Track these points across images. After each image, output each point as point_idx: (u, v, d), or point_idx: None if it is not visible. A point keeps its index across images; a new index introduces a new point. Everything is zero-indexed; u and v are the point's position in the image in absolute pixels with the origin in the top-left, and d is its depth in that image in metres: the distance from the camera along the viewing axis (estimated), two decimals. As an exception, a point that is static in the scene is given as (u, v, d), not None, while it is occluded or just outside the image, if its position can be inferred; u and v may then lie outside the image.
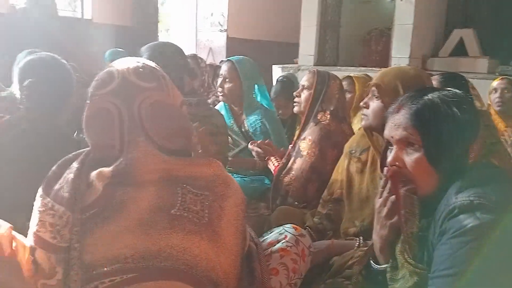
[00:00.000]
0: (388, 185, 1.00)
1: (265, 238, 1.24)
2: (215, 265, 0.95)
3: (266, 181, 2.37)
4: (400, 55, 4.63)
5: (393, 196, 0.99)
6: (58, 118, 1.61)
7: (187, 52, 4.61)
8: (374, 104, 1.44)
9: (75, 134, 1.82)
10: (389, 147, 1.04)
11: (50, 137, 1.49)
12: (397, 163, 1.00)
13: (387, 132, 1.03)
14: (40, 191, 0.98)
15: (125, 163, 0.94)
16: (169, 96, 1.01)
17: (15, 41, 3.16)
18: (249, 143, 2.23)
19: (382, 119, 1.13)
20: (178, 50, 1.87)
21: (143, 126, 0.96)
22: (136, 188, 0.93)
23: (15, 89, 1.62)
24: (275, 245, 1.17)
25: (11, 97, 1.72)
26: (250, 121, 2.43)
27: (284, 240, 1.18)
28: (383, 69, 1.56)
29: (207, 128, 1.58)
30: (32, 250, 0.93)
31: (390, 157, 1.02)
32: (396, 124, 1.00)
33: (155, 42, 1.97)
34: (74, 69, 2.04)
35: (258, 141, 2.20)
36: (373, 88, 1.45)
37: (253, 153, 2.20)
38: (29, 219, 0.97)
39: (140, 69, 1.00)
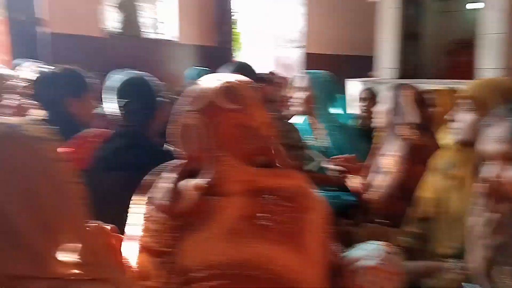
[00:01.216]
0: (487, 203, 0.95)
1: (352, 253, 1.21)
2: (299, 277, 0.96)
3: (345, 197, 2.32)
4: (487, 66, 4.34)
5: (494, 214, 0.93)
6: (148, 131, 1.75)
7: (265, 69, 4.70)
8: (467, 117, 1.37)
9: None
10: (485, 162, 0.99)
11: (142, 150, 1.62)
12: (495, 179, 0.94)
13: (483, 146, 0.98)
14: (139, 198, 1.06)
15: (212, 176, 0.99)
16: (251, 118, 1.04)
17: (105, 62, 3.43)
18: (326, 160, 2.21)
19: (476, 133, 1.08)
20: (248, 64, 2.05)
21: (224, 146, 1.00)
22: (223, 199, 0.98)
23: (108, 106, 1.79)
24: (364, 262, 1.15)
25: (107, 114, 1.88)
26: (326, 136, 2.41)
27: (375, 257, 1.15)
28: (476, 81, 1.49)
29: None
30: (138, 254, 1.01)
31: (487, 172, 0.96)
32: (494, 138, 0.94)
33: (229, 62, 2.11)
34: (163, 88, 2.19)
35: (337, 157, 2.16)
36: (466, 101, 1.38)
37: (331, 171, 2.16)
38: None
39: (228, 90, 1.03)
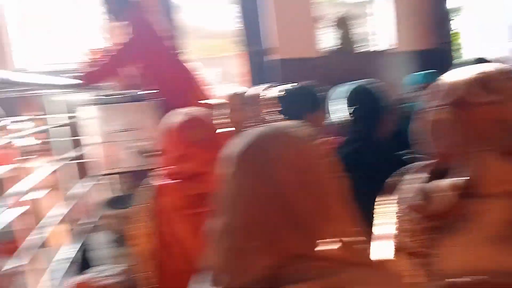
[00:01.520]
0: None
1: None
2: None
3: None
4: None
5: None
6: (377, 135, 1.93)
7: (498, 63, 4.12)
8: None
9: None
10: None
11: (373, 153, 1.83)
12: None
13: None
14: (384, 199, 1.08)
15: (470, 174, 0.93)
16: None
17: (327, 78, 3.61)
18: None
19: None
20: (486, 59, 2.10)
21: (482, 142, 0.93)
22: (483, 200, 0.92)
23: (337, 116, 2.05)
24: None
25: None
26: None
27: None
28: None
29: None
30: (395, 254, 1.02)
31: None
32: None
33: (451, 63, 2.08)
34: (388, 94, 2.26)
35: None
36: None
37: None
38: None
39: (484, 81, 0.96)
